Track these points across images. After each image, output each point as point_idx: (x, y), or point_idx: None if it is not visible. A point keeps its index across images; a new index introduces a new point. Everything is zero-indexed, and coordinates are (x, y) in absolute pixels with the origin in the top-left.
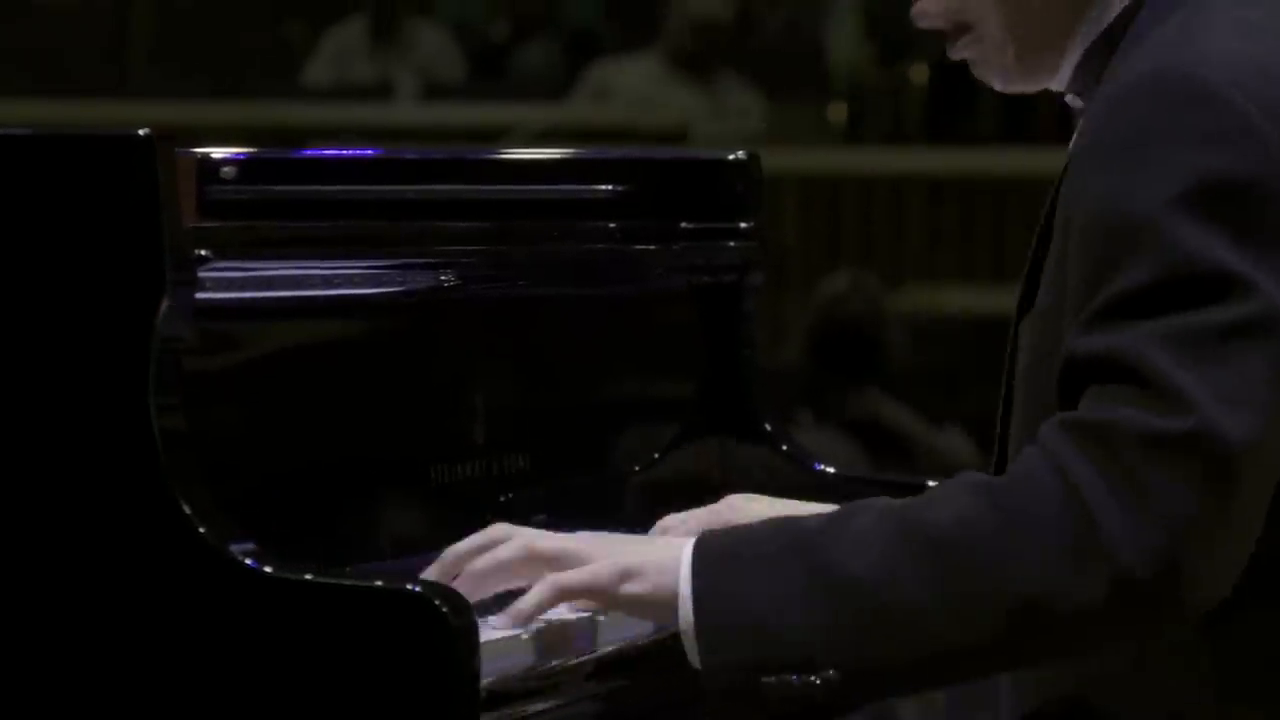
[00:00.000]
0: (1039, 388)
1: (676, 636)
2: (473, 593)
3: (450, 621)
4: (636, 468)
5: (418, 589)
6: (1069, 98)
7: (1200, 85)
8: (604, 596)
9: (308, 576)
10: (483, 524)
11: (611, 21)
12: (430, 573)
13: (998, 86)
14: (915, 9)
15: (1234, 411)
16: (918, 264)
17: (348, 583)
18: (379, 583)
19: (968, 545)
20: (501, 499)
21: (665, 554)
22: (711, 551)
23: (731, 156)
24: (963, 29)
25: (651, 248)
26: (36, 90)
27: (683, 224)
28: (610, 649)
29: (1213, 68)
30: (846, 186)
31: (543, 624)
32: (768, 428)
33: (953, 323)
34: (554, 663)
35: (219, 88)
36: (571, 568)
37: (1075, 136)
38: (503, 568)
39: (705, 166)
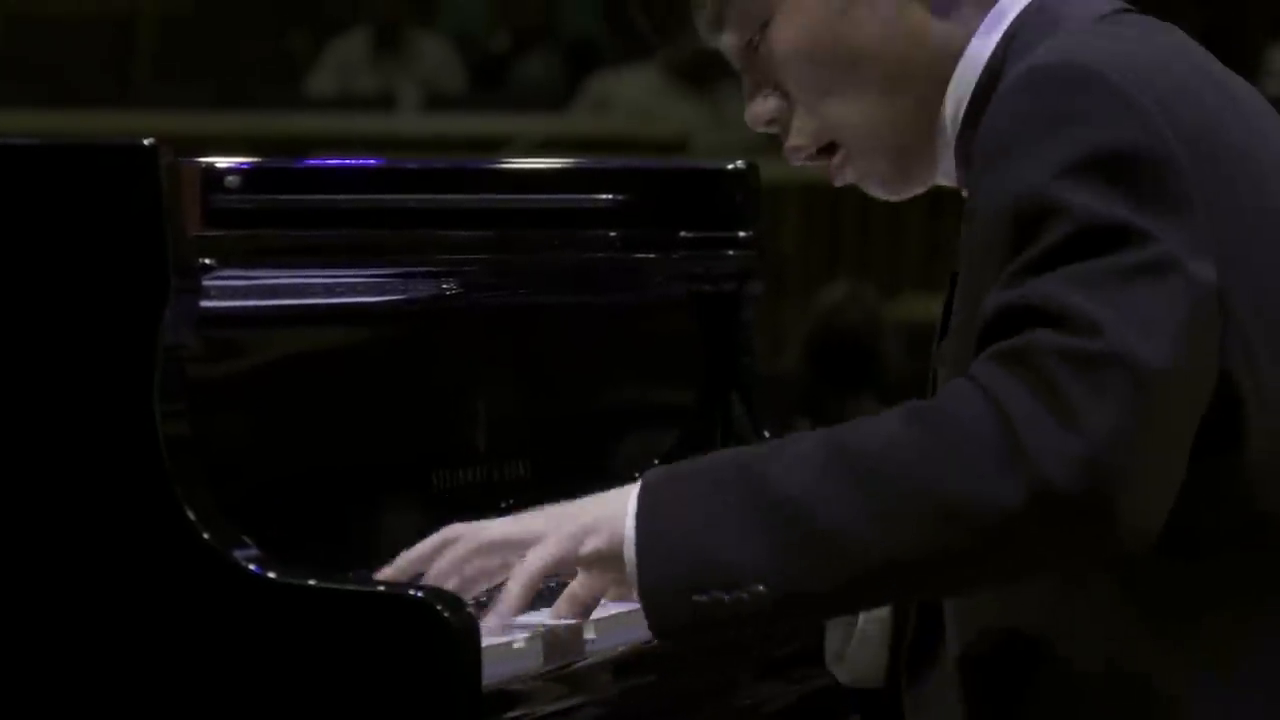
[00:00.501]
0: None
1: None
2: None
3: (452, 625)
4: (636, 474)
5: (419, 593)
6: (965, 192)
7: (1076, 70)
8: (570, 563)
9: (310, 581)
10: None
11: (612, 33)
12: (385, 574)
13: (884, 196)
14: (785, 152)
15: (1146, 337)
16: (915, 274)
17: (350, 587)
18: (381, 587)
19: (895, 461)
20: (502, 505)
21: (615, 503)
22: (656, 480)
23: (730, 166)
24: (833, 152)
25: (651, 256)
26: (43, 101)
27: (682, 233)
28: (610, 653)
29: (1085, 56)
30: (844, 197)
31: (543, 628)
32: (766, 435)
33: None
34: (555, 666)
35: (223, 98)
36: (525, 547)
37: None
38: (459, 565)
39: (704, 176)
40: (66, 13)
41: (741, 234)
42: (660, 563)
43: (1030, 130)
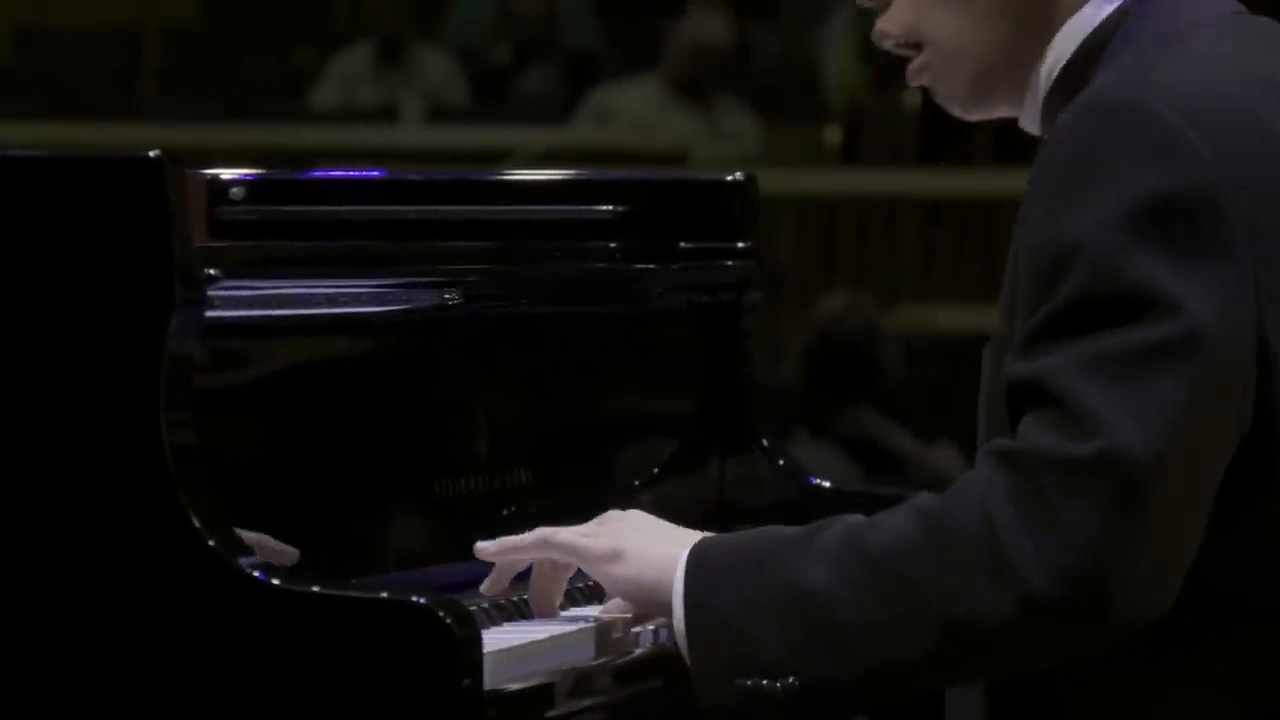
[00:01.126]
0: (997, 413)
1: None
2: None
3: (454, 632)
4: (636, 482)
5: (422, 601)
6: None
7: (1133, 108)
8: (591, 564)
9: (314, 588)
10: (486, 537)
11: (612, 46)
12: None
13: (955, 112)
14: (875, 31)
15: (1143, 430)
16: (912, 284)
17: (353, 594)
18: (384, 594)
19: (901, 566)
20: (504, 512)
21: (660, 550)
22: (703, 557)
23: (729, 178)
24: (919, 50)
25: (651, 267)
26: (51, 113)
27: (682, 244)
28: (614, 658)
29: (1148, 89)
30: (842, 207)
31: (547, 635)
32: (765, 443)
33: (946, 341)
34: (560, 672)
35: (228, 111)
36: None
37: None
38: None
39: (704, 188)
40: (74, 26)
41: (740, 244)
42: (708, 645)
43: (1077, 172)
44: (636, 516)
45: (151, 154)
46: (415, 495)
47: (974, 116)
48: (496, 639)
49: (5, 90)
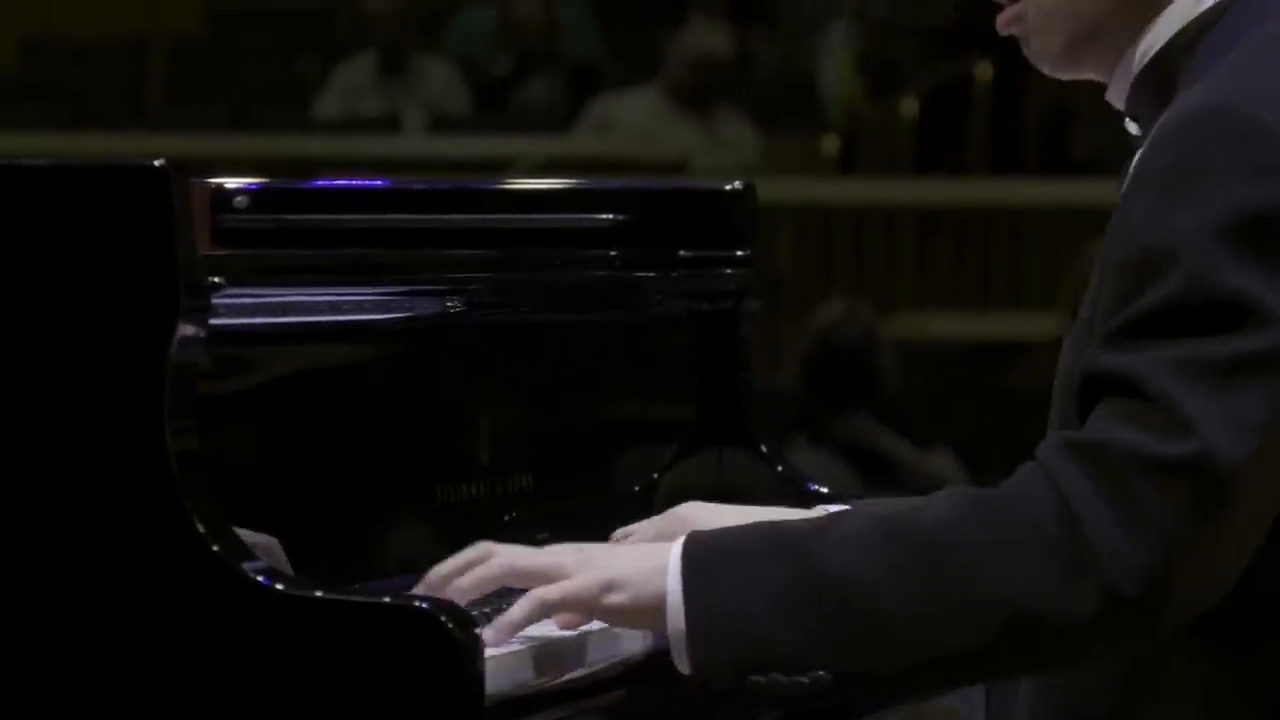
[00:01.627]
0: (1068, 406)
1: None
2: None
3: (456, 636)
4: (637, 487)
5: (424, 605)
6: (1127, 123)
7: (1243, 119)
8: (586, 608)
9: (317, 593)
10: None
11: (612, 57)
12: (417, 591)
13: (1043, 69)
14: None
15: (1233, 438)
16: (909, 291)
17: (356, 599)
18: (386, 599)
19: (959, 555)
20: (505, 518)
21: (647, 562)
22: (699, 554)
23: (728, 187)
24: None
25: (651, 275)
26: (57, 123)
27: (681, 252)
28: (609, 663)
29: (1258, 102)
30: (839, 216)
31: (541, 641)
32: (764, 449)
33: (943, 348)
34: (554, 678)
35: (233, 121)
36: (551, 581)
37: (1131, 168)
38: (485, 585)
39: (703, 197)
40: (80, 36)
41: (739, 253)
42: (715, 642)
43: (1187, 174)
44: (605, 547)
45: (156, 163)
46: (418, 501)
47: (1060, 76)
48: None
49: (12, 100)
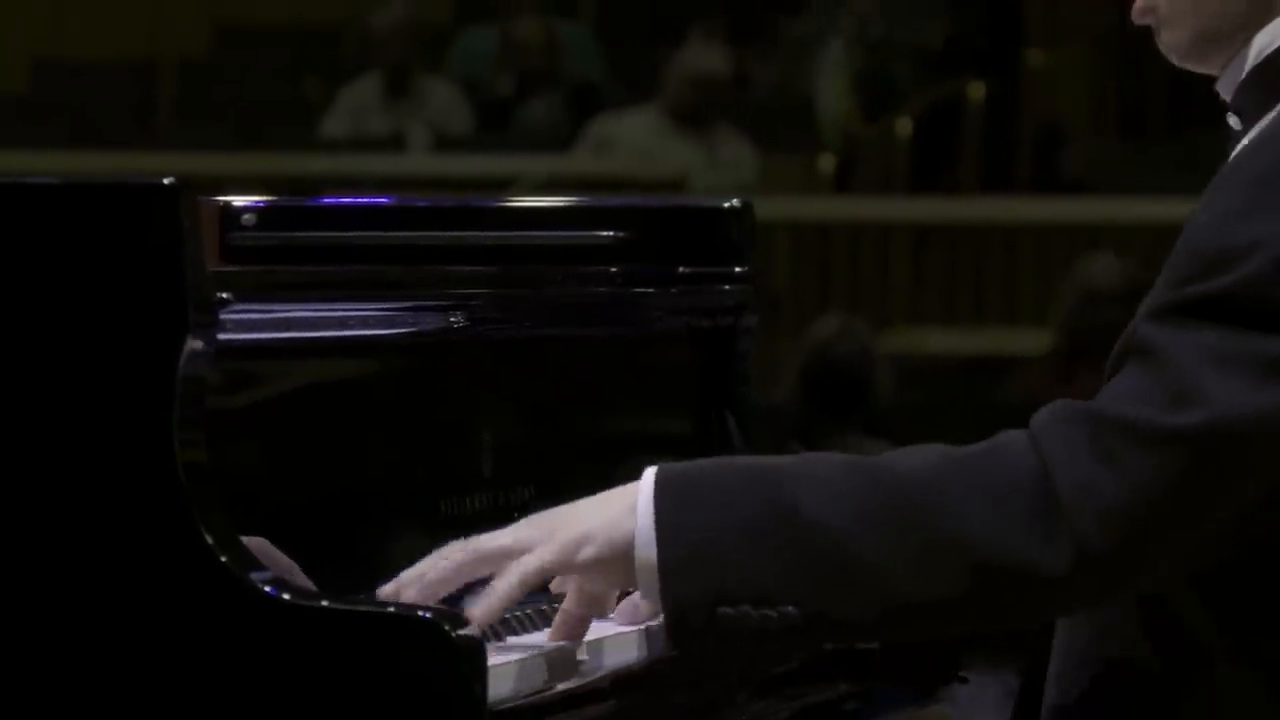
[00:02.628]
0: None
1: (674, 659)
2: (426, 601)
3: (458, 645)
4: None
5: (428, 614)
6: (1230, 117)
7: None
8: (564, 570)
9: (324, 603)
10: None
11: (613, 77)
12: (386, 590)
13: (1171, 59)
14: None
15: (1245, 420)
16: (904, 307)
17: (361, 608)
18: (391, 608)
19: (933, 505)
20: None
21: (613, 506)
22: (672, 484)
23: (727, 204)
24: None
25: (651, 291)
26: (68, 143)
27: (680, 268)
28: (610, 671)
29: None
30: (835, 233)
31: (543, 649)
32: None
33: (937, 363)
34: (558, 685)
35: (241, 140)
36: (523, 556)
37: (1228, 161)
38: (454, 574)
39: (702, 214)
40: (91, 58)
41: (737, 269)
42: (688, 570)
43: (1269, 184)
44: (565, 506)
45: (166, 181)
46: (422, 512)
47: (1187, 67)
48: (503, 652)
49: (24, 120)
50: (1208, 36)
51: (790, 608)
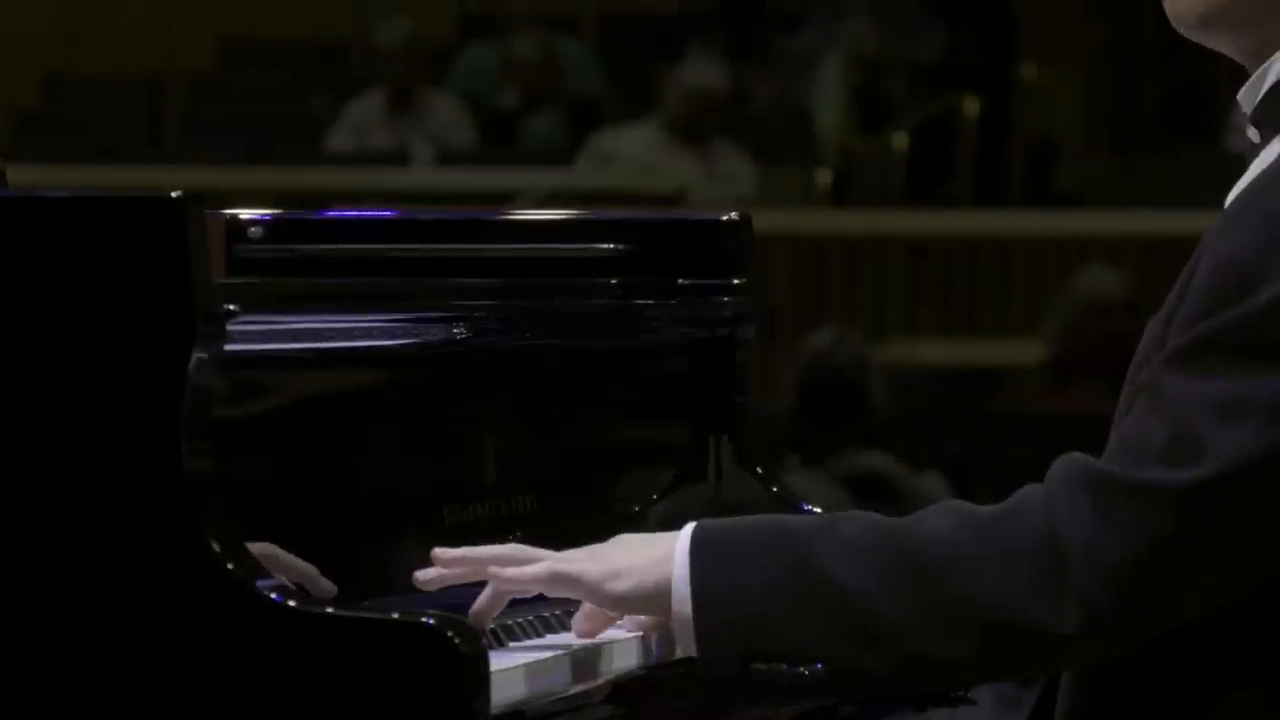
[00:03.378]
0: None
1: (684, 661)
2: (491, 606)
3: (462, 651)
4: (637, 507)
5: (431, 621)
6: (1249, 129)
7: None
8: (593, 596)
9: (329, 610)
10: None
11: (614, 93)
12: (448, 555)
13: (1179, 27)
14: None
15: (1242, 471)
16: (899, 319)
17: (366, 615)
18: (395, 615)
19: (951, 567)
20: (510, 537)
21: (651, 551)
22: (708, 542)
23: (725, 218)
24: None
25: (650, 302)
26: (79, 157)
27: (680, 280)
28: (613, 676)
29: None
30: (832, 246)
31: (550, 654)
32: (759, 470)
33: (931, 373)
34: (561, 691)
35: (248, 154)
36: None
37: (1246, 180)
38: (523, 585)
39: (701, 227)
40: (101, 73)
41: (735, 281)
42: (722, 628)
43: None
44: (619, 538)
45: (174, 195)
46: (425, 520)
47: (1192, 38)
48: (506, 658)
49: (36, 134)
50: (1215, 15)
51: (818, 665)
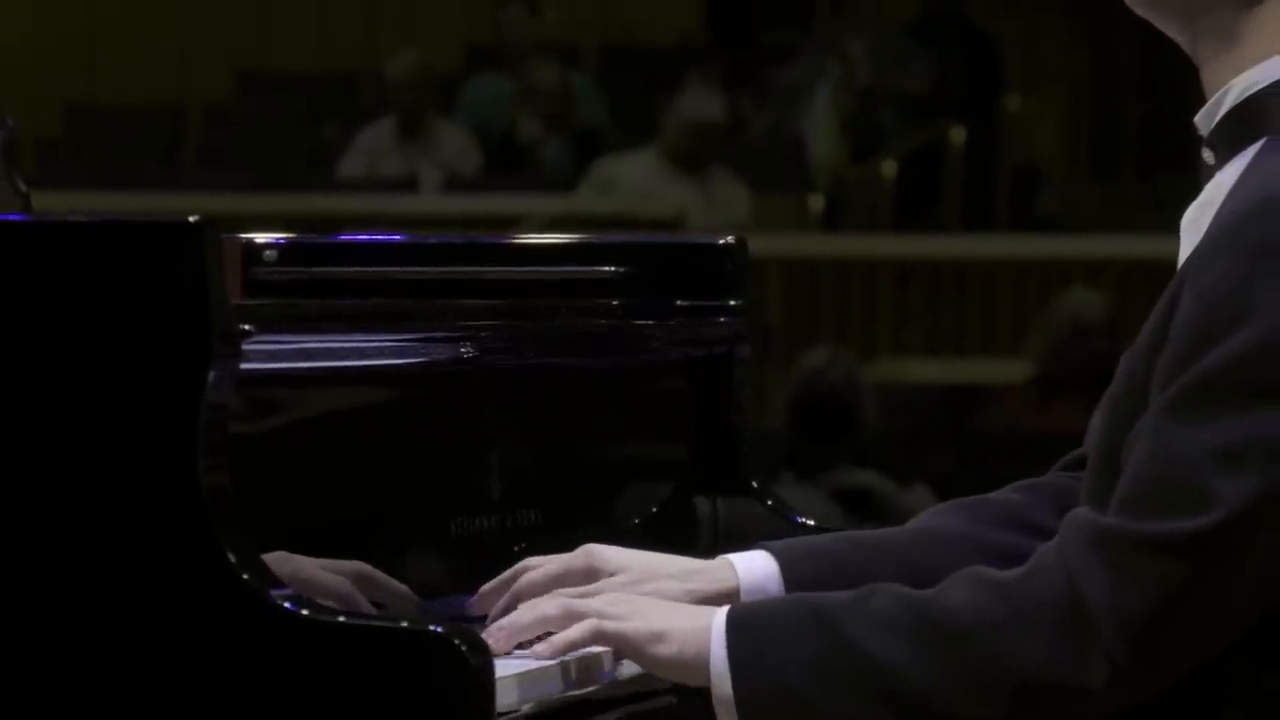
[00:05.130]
0: (1108, 466)
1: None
2: (523, 631)
3: (469, 660)
4: (636, 520)
5: (439, 630)
6: (1204, 151)
7: None
8: (632, 652)
9: (340, 618)
10: (498, 571)
11: (615, 122)
12: (500, 579)
13: (1136, 9)
14: None
15: (1250, 516)
16: (888, 339)
17: (376, 624)
18: (404, 624)
19: (978, 634)
20: (515, 549)
21: (693, 621)
22: (743, 624)
23: (722, 241)
24: None
25: (650, 323)
26: (101, 184)
27: (678, 302)
28: (615, 681)
29: None
30: (824, 269)
31: (569, 657)
32: (754, 485)
33: (919, 392)
34: (578, 692)
35: (262, 181)
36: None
37: (1200, 200)
38: (540, 626)
39: (698, 250)
40: (121, 103)
41: (732, 303)
42: (761, 710)
43: (1263, 254)
44: (649, 600)
45: (191, 220)
46: (433, 532)
47: (1142, 13)
48: (510, 664)
49: (59, 162)
50: (1163, 4)
51: None
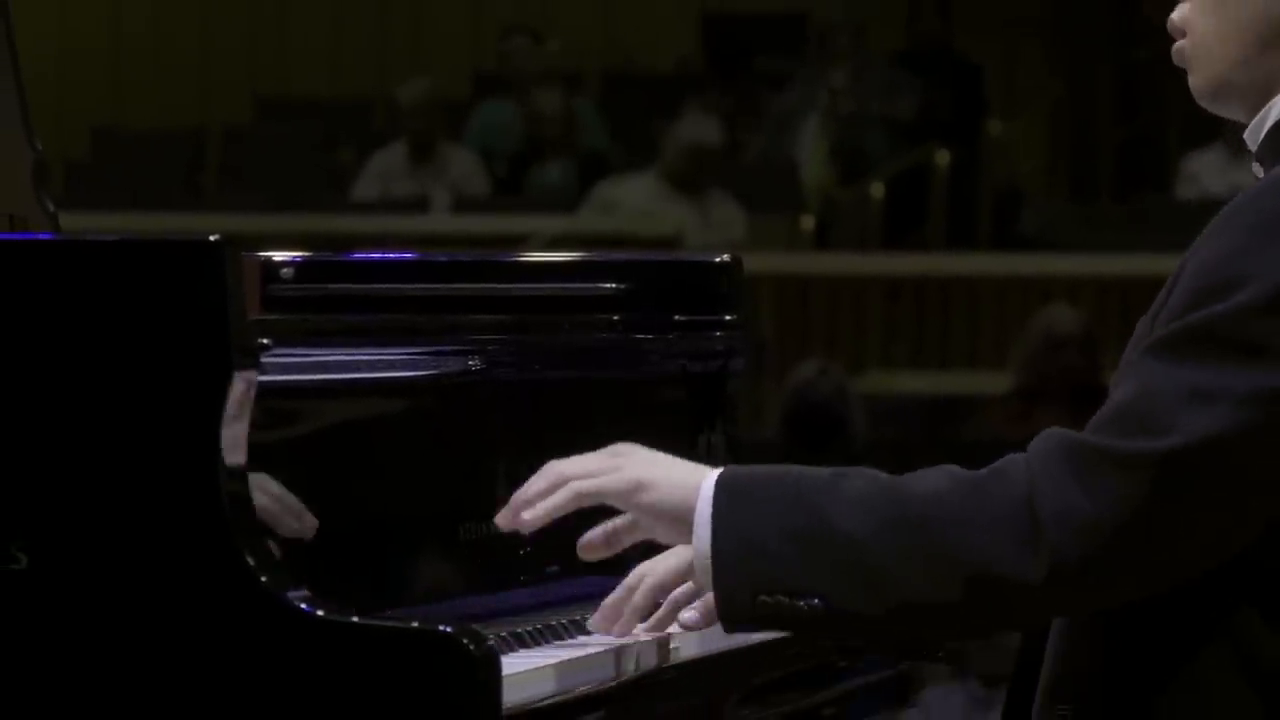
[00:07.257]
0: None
1: (688, 664)
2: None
3: (476, 658)
4: None
5: (448, 630)
6: (1254, 165)
7: None
8: (619, 502)
9: (354, 619)
10: (504, 575)
11: (616, 146)
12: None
13: (1200, 100)
14: (1170, 18)
15: (1213, 448)
16: (876, 353)
17: (388, 624)
18: (415, 624)
19: (939, 522)
20: (521, 552)
21: (681, 475)
22: (731, 486)
23: (718, 260)
24: (1184, 37)
25: (649, 337)
26: (126, 205)
27: (676, 317)
28: (619, 679)
29: None
30: (815, 286)
31: (568, 656)
32: None
33: (907, 403)
34: (577, 690)
35: (280, 202)
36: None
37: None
38: (546, 493)
39: (695, 268)
40: (146, 127)
41: (727, 318)
42: (736, 561)
43: (1272, 223)
44: (644, 450)
45: (212, 239)
46: (443, 537)
47: (1211, 109)
48: (516, 663)
49: (86, 184)
50: (1226, 83)
51: (817, 600)
